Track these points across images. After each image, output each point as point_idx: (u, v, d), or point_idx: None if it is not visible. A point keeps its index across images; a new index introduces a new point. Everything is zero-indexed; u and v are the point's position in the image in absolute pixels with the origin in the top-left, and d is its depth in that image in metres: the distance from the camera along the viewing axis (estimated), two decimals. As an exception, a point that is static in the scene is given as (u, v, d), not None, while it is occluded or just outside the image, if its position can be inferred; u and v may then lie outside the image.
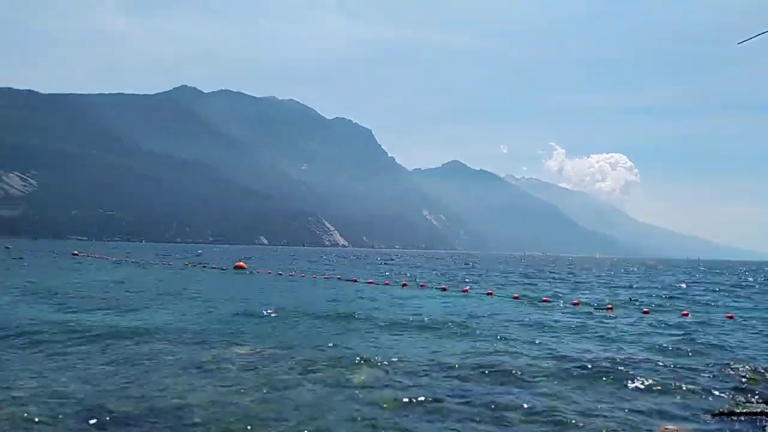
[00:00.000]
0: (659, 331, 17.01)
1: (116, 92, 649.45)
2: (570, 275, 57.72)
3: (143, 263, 54.01)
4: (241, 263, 47.98)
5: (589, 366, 11.25)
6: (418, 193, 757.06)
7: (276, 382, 9.29)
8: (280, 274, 41.20)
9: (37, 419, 7.20)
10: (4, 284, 26.12)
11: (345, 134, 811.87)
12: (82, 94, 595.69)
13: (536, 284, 39.89)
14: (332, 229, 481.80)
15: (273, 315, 17.44)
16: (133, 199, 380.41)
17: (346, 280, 36.66)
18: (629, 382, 10.05)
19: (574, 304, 24.99)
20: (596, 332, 16.14)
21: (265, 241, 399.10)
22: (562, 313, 21.27)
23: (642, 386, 9.83)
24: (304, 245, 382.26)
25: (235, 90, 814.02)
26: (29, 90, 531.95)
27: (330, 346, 12.57)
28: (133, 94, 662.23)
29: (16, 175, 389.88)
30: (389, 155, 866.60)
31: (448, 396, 8.81)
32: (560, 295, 29.76)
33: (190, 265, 52.60)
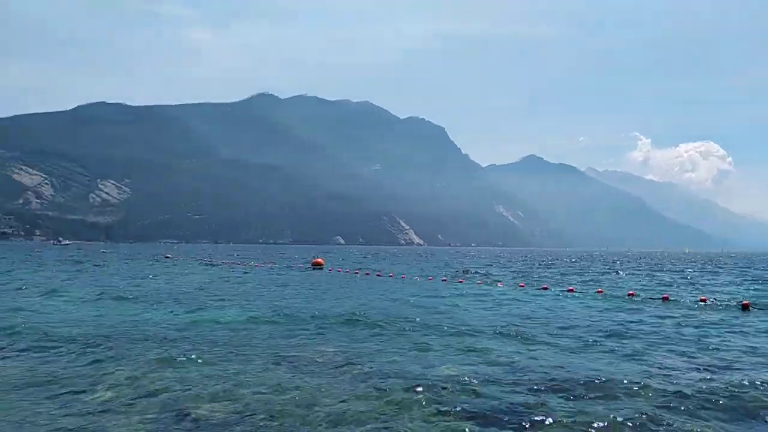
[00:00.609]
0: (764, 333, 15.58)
1: (199, 102, 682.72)
2: (654, 271, 54.63)
3: (227, 264, 56.18)
4: (319, 260, 48.84)
5: (688, 381, 10.44)
6: (493, 190, 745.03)
7: (357, 384, 9.24)
8: (356, 273, 41.58)
9: (135, 420, 7.45)
10: (101, 287, 27.88)
11: (417, 133, 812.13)
12: (168, 105, 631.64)
13: (617, 282, 38.02)
14: (407, 227, 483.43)
15: (350, 314, 17.51)
16: (218, 203, 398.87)
17: (422, 278, 36.47)
18: (738, 404, 9.03)
19: (664, 298, 23.63)
20: (692, 335, 15.01)
21: (342, 241, 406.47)
22: (651, 312, 20.01)
23: (753, 410, 8.52)
24: (381, 244, 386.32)
25: (310, 95, 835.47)
26: (120, 103, 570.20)
27: (408, 348, 12.40)
28: (215, 103, 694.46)
29: (112, 184, 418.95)
30: (463, 152, 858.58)
31: (531, 411, 8.32)
32: (644, 291, 28.13)
33: (271, 265, 54.19)
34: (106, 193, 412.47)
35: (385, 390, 8.84)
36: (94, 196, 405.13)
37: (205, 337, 13.25)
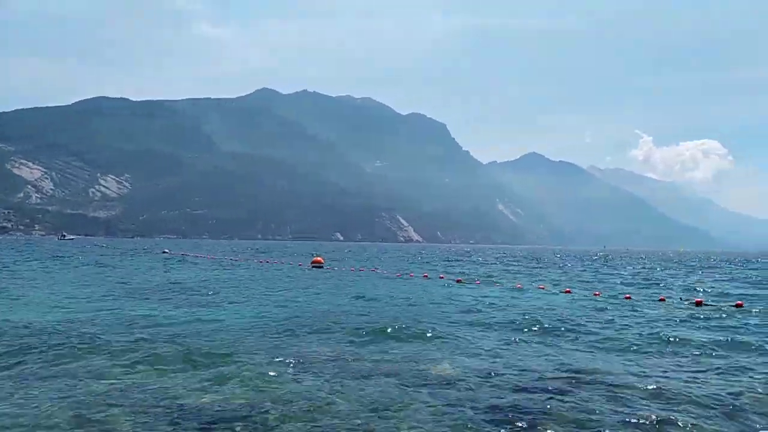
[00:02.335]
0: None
1: (202, 97, 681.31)
2: (645, 269, 54.48)
3: (227, 261, 56.03)
4: (319, 258, 48.29)
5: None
6: (494, 188, 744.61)
7: (352, 376, 9.06)
8: (352, 270, 41.40)
9: (110, 417, 7.26)
10: (105, 284, 27.71)
11: (419, 129, 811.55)
12: (170, 100, 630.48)
13: (603, 281, 37.81)
14: (406, 225, 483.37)
15: (348, 311, 17.32)
16: (219, 198, 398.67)
17: (420, 277, 36.27)
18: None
19: (626, 297, 23.58)
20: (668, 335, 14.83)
21: (341, 238, 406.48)
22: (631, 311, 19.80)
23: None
24: (382, 241, 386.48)
25: (312, 90, 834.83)
26: (121, 98, 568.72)
27: (408, 343, 12.23)
28: (219, 98, 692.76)
29: (112, 178, 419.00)
30: (464, 149, 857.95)
31: (533, 407, 8.22)
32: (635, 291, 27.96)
33: (275, 262, 54.01)
34: (106, 187, 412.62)
35: (385, 379, 8.66)
36: (94, 190, 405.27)
37: (201, 335, 13.04)
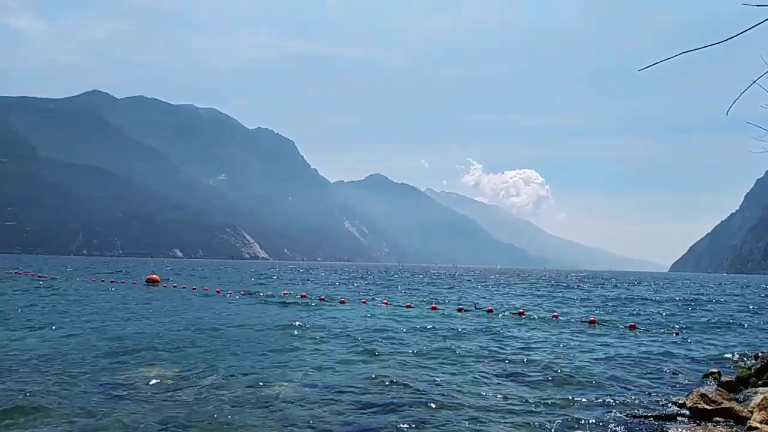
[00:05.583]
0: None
1: (20, 95, 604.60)
2: (483, 285, 59.49)
3: (47, 278, 50.40)
4: (155, 276, 45.62)
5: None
6: (340, 206, 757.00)
7: (192, 402, 8.91)
8: (194, 289, 39.71)
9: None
10: None
11: (267, 145, 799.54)
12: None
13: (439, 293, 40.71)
14: (252, 241, 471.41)
15: (189, 334, 16.76)
16: (37, 208, 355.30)
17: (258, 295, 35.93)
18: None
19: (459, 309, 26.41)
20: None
21: (180, 254, 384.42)
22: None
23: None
24: (223, 258, 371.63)
25: (150, 96, 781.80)
26: None
27: (249, 364, 12.23)
28: (38, 98, 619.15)
29: None
30: (312, 167, 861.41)
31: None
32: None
33: (99, 280, 49.58)
34: None
35: (227, 402, 8.67)
36: None
37: (24, 363, 11.86)
